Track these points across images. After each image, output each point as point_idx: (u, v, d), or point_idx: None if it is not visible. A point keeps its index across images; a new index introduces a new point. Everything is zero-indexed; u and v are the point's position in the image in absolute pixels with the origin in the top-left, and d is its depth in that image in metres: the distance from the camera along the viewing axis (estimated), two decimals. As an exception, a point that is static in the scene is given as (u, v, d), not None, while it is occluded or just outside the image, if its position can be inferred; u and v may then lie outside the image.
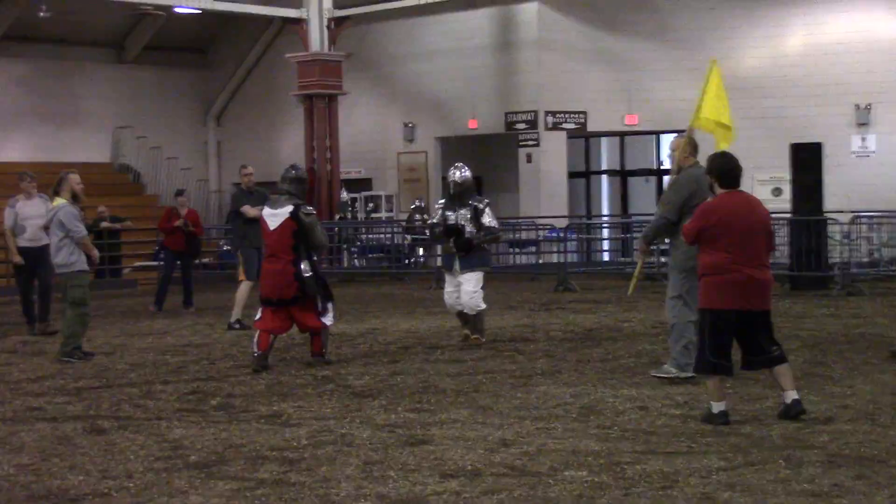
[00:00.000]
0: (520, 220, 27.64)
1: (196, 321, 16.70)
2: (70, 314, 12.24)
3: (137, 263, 27.05)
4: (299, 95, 28.83)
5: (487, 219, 12.95)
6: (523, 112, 28.76)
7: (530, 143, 28.78)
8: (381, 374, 11.01)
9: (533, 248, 26.76)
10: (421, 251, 27.86)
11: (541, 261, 26.07)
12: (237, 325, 15.15)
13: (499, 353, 12.34)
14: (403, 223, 28.00)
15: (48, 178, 24.90)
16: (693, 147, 10.25)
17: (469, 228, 12.90)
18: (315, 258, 11.61)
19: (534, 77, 28.66)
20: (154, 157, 32.66)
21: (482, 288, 12.94)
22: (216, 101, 34.56)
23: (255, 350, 11.33)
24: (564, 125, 28.73)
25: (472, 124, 29.51)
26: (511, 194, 29.88)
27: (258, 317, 11.50)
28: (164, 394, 10.10)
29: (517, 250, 27.05)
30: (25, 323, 15.44)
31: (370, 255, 27.41)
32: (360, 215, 29.88)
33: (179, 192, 19.62)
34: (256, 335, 11.37)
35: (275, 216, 11.42)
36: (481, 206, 13.01)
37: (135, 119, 32.35)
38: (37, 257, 15.25)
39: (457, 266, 12.91)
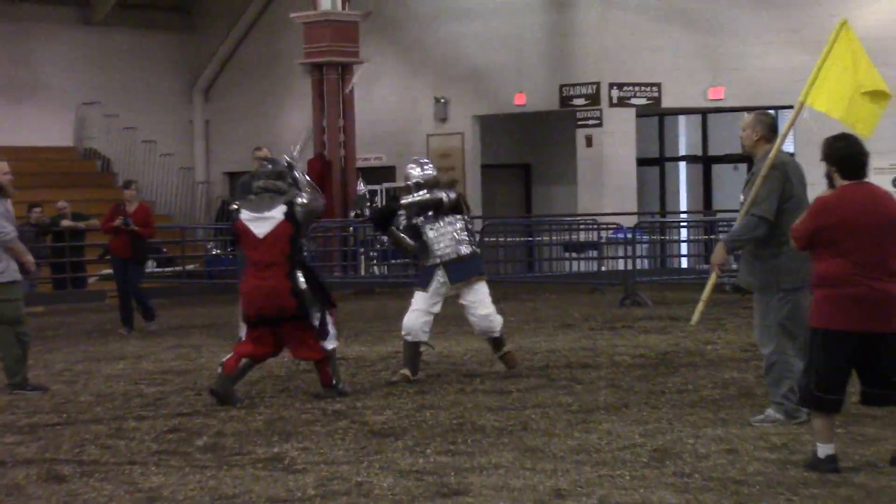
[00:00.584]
0: (577, 219, 27.60)
1: (179, 342, 16.76)
2: (3, 337, 12.30)
3: (105, 271, 27.17)
4: (306, 64, 28.90)
5: (440, 193, 12.77)
6: (582, 84, 28.72)
7: (591, 122, 28.73)
8: (405, 407, 11.00)
9: (594, 253, 26.71)
10: (455, 256, 27.79)
11: (604, 268, 26.01)
12: None
13: (552, 382, 12.32)
14: (434, 222, 27.97)
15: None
16: (768, 127, 10.14)
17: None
18: (307, 262, 11.71)
19: (595, 41, 28.60)
20: (127, 139, 32.84)
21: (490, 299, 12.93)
22: (204, 71, 34.71)
23: (219, 370, 11.38)
24: (633, 100, 28.67)
25: (519, 100, 29.51)
26: (566, 186, 29.83)
27: (241, 336, 11.57)
28: (138, 432, 10.13)
29: (574, 255, 27.01)
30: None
31: (393, 262, 27.44)
32: (381, 212, 29.84)
33: (127, 185, 19.61)
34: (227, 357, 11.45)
35: (263, 221, 11.37)
36: (440, 194, 12.77)
37: (104, 94, 32.50)
38: None
39: (443, 279, 12.66)
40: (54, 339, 17.85)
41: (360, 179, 28.83)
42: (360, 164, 29.45)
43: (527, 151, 31.84)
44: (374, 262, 27.92)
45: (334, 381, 11.61)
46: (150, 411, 11.16)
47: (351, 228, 27.56)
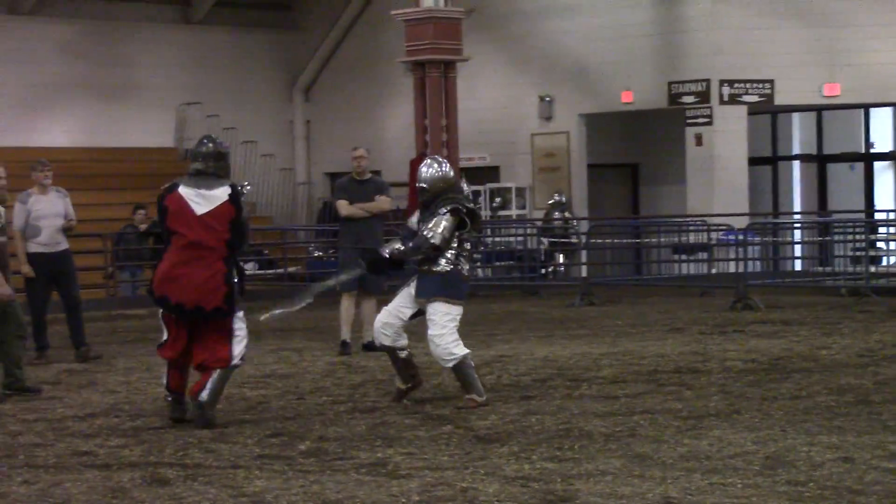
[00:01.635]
0: (687, 220, 27.44)
1: (280, 345, 16.93)
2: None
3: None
4: (408, 62, 29.01)
5: (432, 223, 11.34)
6: (692, 81, 28.57)
7: (701, 120, 28.57)
8: (511, 413, 11.04)
9: (704, 255, 26.54)
10: (561, 258, 27.83)
11: (714, 270, 25.84)
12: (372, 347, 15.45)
13: (660, 387, 12.29)
14: (539, 223, 27.99)
15: (97, 167, 25.72)
16: None
17: (396, 245, 11.72)
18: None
19: (705, 36, 28.44)
20: (228, 140, 32.95)
21: (454, 326, 11.38)
22: (304, 70, 34.96)
23: (166, 392, 10.75)
24: (745, 97, 28.46)
25: (626, 97, 29.41)
26: (676, 186, 29.67)
27: (162, 337, 10.76)
28: (240, 436, 10.25)
29: (684, 257, 26.86)
30: (35, 350, 15.37)
31: (497, 264, 27.48)
32: (485, 213, 29.95)
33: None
34: (165, 371, 10.75)
35: (203, 198, 10.52)
36: (442, 210, 11.40)
37: (204, 93, 32.84)
38: (55, 265, 15.56)
39: (409, 290, 11.60)
40: (155, 343, 18.07)
41: (464, 180, 28.72)
42: (463, 164, 29.47)
43: (634, 150, 31.73)
44: (478, 263, 27.95)
45: (203, 401, 10.45)
46: (252, 415, 11.29)
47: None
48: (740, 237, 23.94)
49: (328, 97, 34.76)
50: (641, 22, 29.13)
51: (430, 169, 11.57)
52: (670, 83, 28.76)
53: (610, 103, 29.71)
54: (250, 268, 28.07)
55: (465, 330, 18.18)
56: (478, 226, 11.71)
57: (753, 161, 29.32)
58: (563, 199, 28.49)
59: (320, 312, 21.70)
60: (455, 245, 11.39)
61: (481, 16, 30.33)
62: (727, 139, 28.39)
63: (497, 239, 28.23)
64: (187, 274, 10.39)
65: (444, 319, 11.30)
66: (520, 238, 27.48)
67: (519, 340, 16.85)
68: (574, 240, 27.10)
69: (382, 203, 15.60)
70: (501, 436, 9.98)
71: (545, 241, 27.32)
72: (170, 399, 10.74)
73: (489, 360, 14.65)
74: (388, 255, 11.69)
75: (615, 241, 27.05)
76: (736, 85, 28.28)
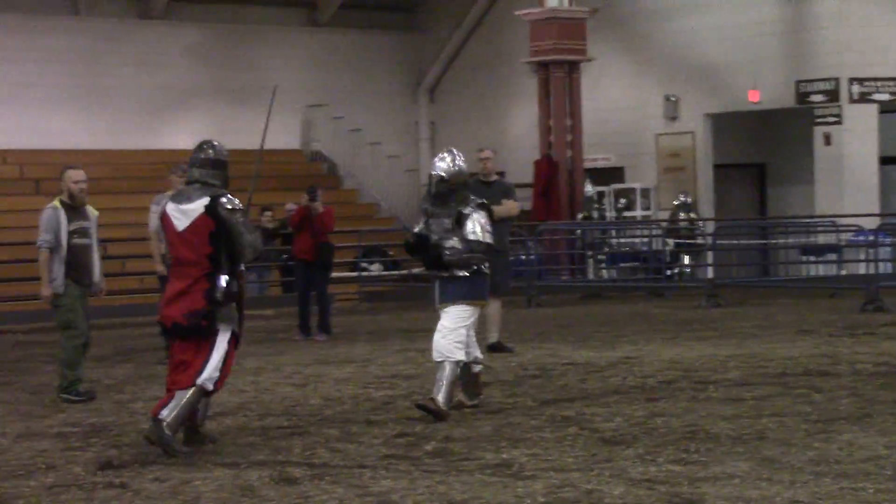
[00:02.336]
0: (815, 220, 27.13)
1: (405, 346, 17.01)
2: (61, 340, 13.01)
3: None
4: (532, 63, 29.03)
5: (471, 226, 11.23)
6: (820, 80, 28.24)
7: (830, 119, 28.22)
8: (636, 415, 11.00)
9: (833, 256, 26.23)
10: (687, 259, 27.66)
11: (843, 272, 25.52)
12: (503, 348, 15.61)
13: (789, 390, 12.17)
14: (664, 224, 27.85)
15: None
16: None
17: (451, 243, 11.25)
18: (241, 271, 10.09)
19: (834, 34, 28.09)
20: (353, 141, 33.40)
21: (465, 329, 11.16)
22: (429, 71, 35.10)
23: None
24: (875, 95, 28.07)
25: (753, 97, 29.14)
26: (804, 186, 29.34)
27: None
28: (367, 436, 10.33)
29: (812, 258, 26.56)
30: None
31: (622, 265, 27.38)
32: (609, 214, 29.85)
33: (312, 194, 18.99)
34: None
35: (182, 214, 9.97)
36: (467, 210, 11.26)
37: (330, 95, 33.12)
38: None
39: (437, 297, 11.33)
40: (283, 343, 18.31)
41: (588, 181, 28.82)
42: (587, 164, 29.45)
43: (761, 150, 31.44)
44: (603, 265, 27.89)
45: (164, 422, 9.54)
46: (378, 415, 11.36)
47: (578, 231, 27.58)
48: (870, 238, 23.63)
49: (453, 98, 34.86)
50: (768, 20, 28.85)
51: (449, 162, 11.44)
52: (798, 82, 28.45)
53: (736, 103, 29.45)
54: (375, 269, 28.28)
55: (590, 331, 18.26)
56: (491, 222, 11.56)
57: (885, 160, 28.89)
58: (689, 199, 28.31)
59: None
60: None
61: (606, 16, 30.23)
62: (857, 138, 28.02)
63: (622, 240, 28.11)
64: (170, 291, 9.91)
65: (458, 319, 11.14)
66: (645, 239, 27.35)
67: (644, 342, 16.78)
68: (700, 241, 26.91)
69: (510, 207, 15.55)
70: (627, 437, 9.95)
71: (670, 242, 27.17)
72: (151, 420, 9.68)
73: (614, 361, 14.62)
74: (447, 260, 11.21)
75: (742, 241, 26.81)
76: (866, 83, 27.90)
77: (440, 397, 10.91)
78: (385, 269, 28.49)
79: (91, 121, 30.45)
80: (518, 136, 32.15)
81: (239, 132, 31.84)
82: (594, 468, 8.85)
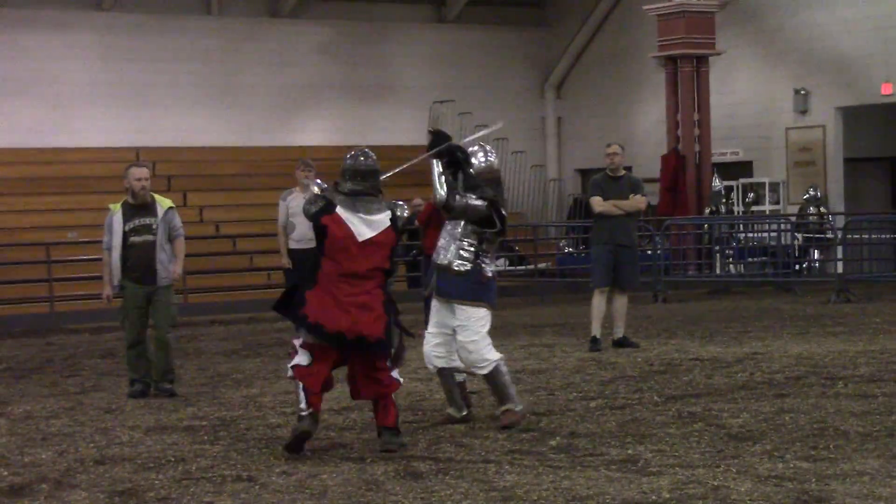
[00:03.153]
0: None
1: (531, 341, 17.00)
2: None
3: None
4: (660, 57, 28.85)
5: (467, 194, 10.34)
6: (954, 71, 27.76)
7: (964, 111, 27.69)
8: (764, 411, 10.89)
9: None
10: (816, 254, 27.30)
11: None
12: (629, 343, 15.56)
13: (921, 387, 11.98)
14: (794, 218, 27.52)
15: (354, 166, 26.17)
16: None
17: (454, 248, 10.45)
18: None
19: (969, 25, 27.58)
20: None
21: (485, 329, 10.36)
22: (556, 67, 35.04)
23: (303, 410, 9.48)
24: None
25: (886, 89, 28.68)
26: (937, 180, 28.87)
27: (303, 362, 9.57)
28: (491, 431, 10.33)
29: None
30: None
31: (750, 260, 27.10)
32: (737, 208, 29.58)
33: None
34: (301, 391, 9.50)
35: (365, 223, 9.56)
36: (477, 194, 10.38)
37: (456, 91, 33.19)
38: (307, 261, 15.96)
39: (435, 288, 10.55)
40: (409, 339, 18.35)
41: (716, 175, 28.57)
42: (715, 158, 29.20)
43: (894, 144, 30.91)
44: (730, 259, 27.64)
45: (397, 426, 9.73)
46: (503, 410, 11.36)
47: (706, 226, 27.35)
48: None
49: (579, 94, 34.77)
50: (901, 11, 28.37)
51: (481, 158, 10.49)
52: (932, 74, 27.96)
53: (868, 96, 29.00)
54: (501, 264, 28.28)
55: (717, 327, 18.09)
56: (504, 233, 10.54)
57: None
58: (818, 193, 27.95)
59: (571, 308, 21.77)
60: (475, 242, 10.36)
61: (734, 9, 29.95)
62: None
63: (750, 234, 27.82)
64: (349, 303, 9.45)
65: (476, 324, 10.30)
66: (773, 233, 27.03)
67: (773, 337, 16.60)
68: (829, 235, 26.54)
69: (638, 202, 15.52)
70: (754, 434, 9.85)
71: (799, 236, 26.83)
72: (305, 413, 9.48)
73: (741, 357, 14.48)
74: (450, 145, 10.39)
75: (873, 236, 26.39)
76: None
77: (509, 404, 10.37)
78: (511, 265, 28.49)
79: (222, 119, 30.84)
80: (645, 131, 31.98)
81: (366, 129, 32.19)
82: (720, 464, 8.78)
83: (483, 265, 10.37)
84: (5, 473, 9.23)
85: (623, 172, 15.78)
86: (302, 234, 15.87)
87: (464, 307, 10.34)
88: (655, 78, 30.37)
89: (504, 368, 10.42)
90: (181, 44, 30.54)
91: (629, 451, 9.33)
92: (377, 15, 33.08)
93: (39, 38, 29.03)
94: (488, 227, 10.34)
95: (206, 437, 10.44)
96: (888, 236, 27.03)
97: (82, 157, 29.07)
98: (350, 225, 9.50)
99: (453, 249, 10.39)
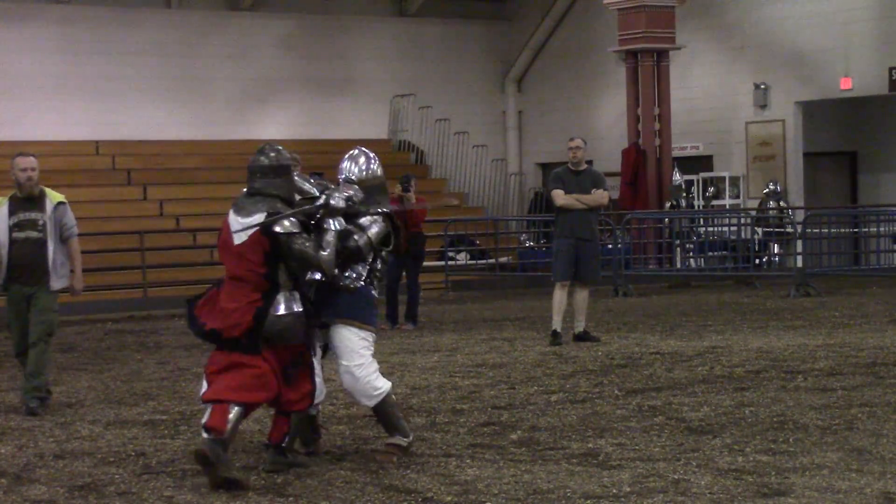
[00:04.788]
0: (906, 209, 26.80)
1: (492, 335, 17.02)
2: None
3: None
4: (620, 52, 28.90)
5: (363, 223, 9.16)
6: (913, 66, 27.90)
7: (922, 106, 27.85)
8: (724, 404, 10.94)
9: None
10: (776, 248, 27.41)
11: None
12: (584, 337, 15.65)
13: (880, 380, 12.04)
14: (753, 213, 27.62)
15: (312, 159, 26.02)
16: None
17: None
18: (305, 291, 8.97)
19: (927, 20, 27.73)
20: (440, 131, 33.43)
21: (370, 353, 9.10)
22: (517, 61, 35.03)
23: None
24: (969, 82, 27.67)
25: (845, 84, 28.80)
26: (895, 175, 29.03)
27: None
28: (453, 425, 10.35)
29: (904, 247, 26.24)
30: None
31: (710, 254, 27.20)
32: (698, 203, 29.67)
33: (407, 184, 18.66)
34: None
35: (241, 227, 8.81)
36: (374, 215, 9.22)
37: (417, 85, 33.17)
38: None
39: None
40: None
41: (676, 169, 28.66)
42: (675, 153, 29.28)
43: (853, 138, 31.05)
44: (691, 254, 27.73)
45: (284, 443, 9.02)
46: (464, 404, 11.38)
47: (666, 220, 27.44)
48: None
49: (540, 88, 34.78)
50: (860, 6, 28.48)
51: (357, 165, 9.35)
52: (891, 69, 28.05)
53: (828, 90, 29.12)
54: (462, 258, 28.29)
55: (678, 321, 18.16)
56: (398, 247, 9.38)
57: (978, 148, 28.50)
58: (778, 188, 28.07)
59: (532, 302, 21.80)
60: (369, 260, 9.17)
61: (694, 3, 30.01)
62: (950, 126, 27.63)
63: (710, 229, 27.92)
64: (222, 305, 8.79)
65: (360, 346, 9.02)
66: (733, 228, 27.14)
67: (733, 331, 16.68)
68: (789, 229, 26.67)
69: (600, 197, 15.54)
70: (714, 427, 9.90)
71: (759, 230, 26.95)
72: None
73: (702, 350, 14.54)
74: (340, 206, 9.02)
75: (832, 230, 26.54)
76: (960, 69, 27.51)
77: (397, 436, 9.10)
78: (472, 259, 28.50)
79: (182, 112, 30.72)
80: (606, 125, 32.02)
81: (327, 123, 32.15)
82: (681, 458, 8.82)
83: (372, 286, 9.20)
84: (-36, 468, 9.19)
85: (585, 166, 15.82)
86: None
87: (347, 327, 9.05)
88: (616, 72, 30.42)
89: (392, 398, 9.20)
90: (140, 37, 30.40)
91: (590, 445, 9.36)
92: (337, 8, 32.99)
93: (-3, 30, 28.89)
94: (385, 244, 9.22)
95: (166, 432, 10.42)
96: (847, 230, 27.18)
97: (40, 151, 28.47)
98: (230, 226, 8.85)
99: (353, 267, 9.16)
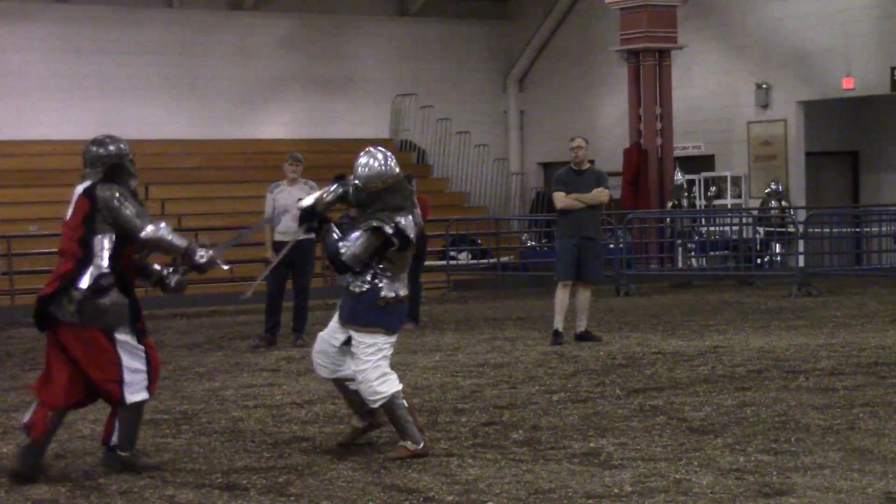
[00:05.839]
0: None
1: (494, 335, 17.02)
2: None
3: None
4: (622, 51, 28.89)
5: (352, 238, 9.32)
6: (915, 66, 27.90)
7: (924, 106, 27.84)
8: (725, 404, 10.94)
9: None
10: (778, 248, 27.41)
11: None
12: (591, 337, 15.63)
13: (881, 380, 12.04)
14: (755, 212, 27.61)
15: (313, 159, 26.11)
16: None
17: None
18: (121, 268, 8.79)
19: (929, 19, 27.72)
20: (442, 131, 33.44)
21: (377, 357, 9.28)
22: (518, 60, 35.04)
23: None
24: (971, 82, 27.67)
25: (847, 83, 28.79)
26: (897, 174, 29.04)
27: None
28: (454, 425, 10.35)
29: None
30: (264, 333, 16.20)
31: (712, 254, 27.19)
32: (699, 202, 29.66)
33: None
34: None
35: (70, 204, 8.91)
36: (364, 226, 9.27)
37: (418, 85, 33.18)
38: (290, 253, 15.97)
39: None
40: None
41: (678, 169, 28.65)
42: (677, 153, 29.27)
43: (855, 138, 31.05)
44: (692, 253, 27.73)
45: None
46: (466, 404, 11.38)
47: (668, 219, 27.44)
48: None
49: (542, 87, 34.79)
50: (862, 5, 28.48)
51: (365, 165, 9.35)
52: (893, 68, 28.05)
53: (830, 90, 29.12)
54: (464, 258, 28.30)
55: (679, 320, 18.16)
56: (411, 248, 9.45)
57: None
58: (780, 187, 28.06)
59: (534, 301, 21.80)
60: (374, 262, 9.29)
61: (696, 3, 30.01)
62: (952, 126, 27.63)
63: (712, 228, 27.91)
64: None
65: (366, 352, 9.22)
66: (735, 227, 27.13)
67: (734, 331, 16.67)
68: (791, 229, 26.66)
69: (600, 195, 15.52)
70: (716, 427, 9.90)
71: (761, 230, 26.94)
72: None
73: (703, 350, 14.54)
74: (313, 209, 9.52)
75: (834, 230, 26.53)
76: (963, 68, 27.52)
77: (407, 441, 9.20)
78: (473, 258, 28.50)
79: (184, 111, 30.74)
80: (607, 125, 32.02)
81: (329, 122, 32.17)
82: (682, 457, 8.82)
83: (380, 286, 9.31)
84: (-34, 468, 9.20)
85: (587, 166, 15.80)
86: (287, 226, 15.90)
87: (354, 332, 9.28)
88: (618, 71, 30.40)
89: (401, 401, 9.24)
90: (142, 36, 30.41)
91: (591, 445, 9.37)
92: (339, 7, 33.00)
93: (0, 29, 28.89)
94: (388, 247, 9.27)
95: (168, 431, 10.42)
96: (849, 230, 27.17)
97: (43, 150, 28.91)
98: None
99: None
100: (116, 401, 8.76)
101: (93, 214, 8.71)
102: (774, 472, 8.29)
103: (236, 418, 10.90)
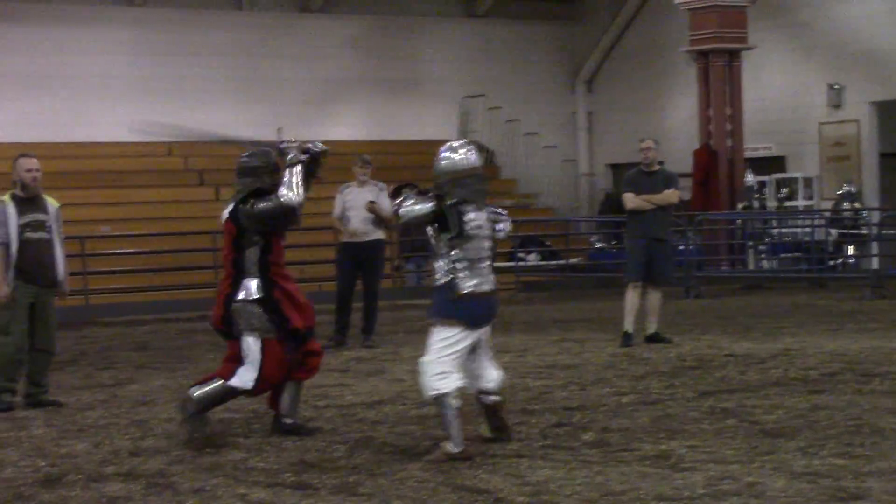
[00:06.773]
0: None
1: (563, 336, 17.01)
2: None
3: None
4: (692, 52, 28.78)
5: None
6: None
7: None
8: (798, 407, 10.87)
9: None
10: (851, 250, 27.20)
11: None
12: (662, 339, 15.59)
13: (957, 383, 11.95)
14: (828, 214, 27.42)
15: (381, 160, 26.19)
16: None
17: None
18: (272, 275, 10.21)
19: None
20: (510, 132, 33.45)
21: (446, 353, 9.26)
22: (587, 61, 35.00)
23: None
24: None
25: (921, 83, 28.57)
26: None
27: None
28: (524, 426, 10.35)
29: None
30: (334, 334, 16.28)
31: (783, 256, 27.04)
32: (771, 204, 29.49)
33: None
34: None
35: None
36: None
37: (486, 86, 33.19)
38: (361, 253, 16.13)
39: None
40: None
41: (748, 170, 28.51)
42: (748, 154, 29.12)
43: (929, 140, 30.78)
44: (763, 255, 27.57)
45: (188, 411, 10.04)
46: (535, 405, 11.38)
47: (738, 221, 27.29)
48: None
49: (611, 88, 34.73)
50: (936, 4, 28.26)
51: (440, 156, 9.71)
52: (967, 68, 27.83)
53: (903, 90, 28.90)
54: (532, 259, 28.28)
55: (751, 322, 18.06)
56: (458, 231, 9.33)
57: None
58: (853, 188, 27.85)
59: (602, 304, 21.76)
60: (444, 252, 9.35)
61: (766, 3, 29.83)
62: None
63: (783, 230, 27.75)
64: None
65: (438, 345, 9.24)
66: (807, 229, 26.96)
67: (806, 334, 16.57)
68: (864, 231, 26.46)
69: (669, 196, 15.48)
70: (789, 430, 9.84)
71: (834, 232, 26.75)
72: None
73: (775, 353, 14.46)
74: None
75: (909, 231, 26.28)
76: None
77: (448, 443, 9.12)
78: (542, 260, 28.49)
79: (253, 114, 30.84)
80: (676, 126, 31.92)
81: (396, 124, 32.24)
82: (755, 461, 8.78)
83: (456, 280, 9.31)
84: (42, 464, 9.32)
85: (657, 167, 15.75)
86: (355, 227, 16.06)
87: (433, 325, 9.39)
88: (687, 72, 30.29)
89: (452, 402, 9.11)
90: (211, 38, 30.63)
91: (662, 447, 9.34)
92: (407, 9, 33.09)
93: (72, 33, 29.15)
94: (443, 231, 9.33)
95: (239, 430, 10.50)
96: (923, 232, 26.92)
97: (114, 152, 29.16)
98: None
99: (440, 262, 9.42)
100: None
101: None
102: (849, 476, 8.23)
103: (307, 418, 10.95)
